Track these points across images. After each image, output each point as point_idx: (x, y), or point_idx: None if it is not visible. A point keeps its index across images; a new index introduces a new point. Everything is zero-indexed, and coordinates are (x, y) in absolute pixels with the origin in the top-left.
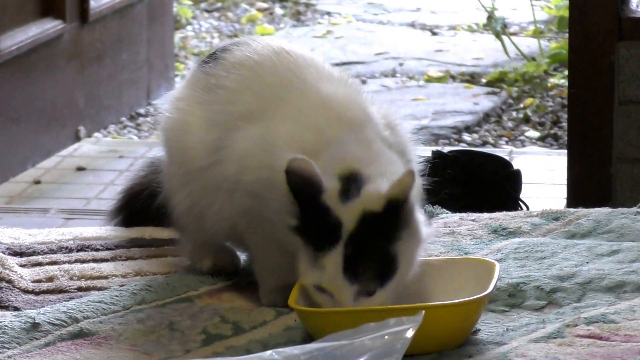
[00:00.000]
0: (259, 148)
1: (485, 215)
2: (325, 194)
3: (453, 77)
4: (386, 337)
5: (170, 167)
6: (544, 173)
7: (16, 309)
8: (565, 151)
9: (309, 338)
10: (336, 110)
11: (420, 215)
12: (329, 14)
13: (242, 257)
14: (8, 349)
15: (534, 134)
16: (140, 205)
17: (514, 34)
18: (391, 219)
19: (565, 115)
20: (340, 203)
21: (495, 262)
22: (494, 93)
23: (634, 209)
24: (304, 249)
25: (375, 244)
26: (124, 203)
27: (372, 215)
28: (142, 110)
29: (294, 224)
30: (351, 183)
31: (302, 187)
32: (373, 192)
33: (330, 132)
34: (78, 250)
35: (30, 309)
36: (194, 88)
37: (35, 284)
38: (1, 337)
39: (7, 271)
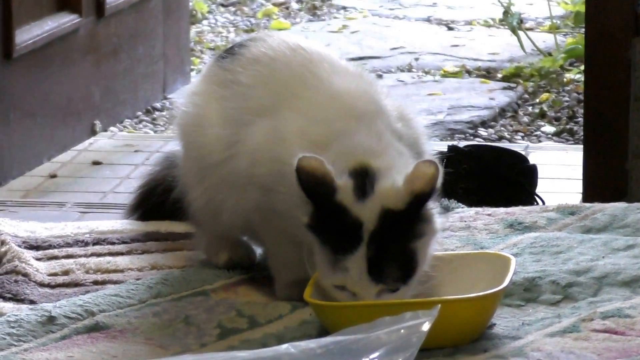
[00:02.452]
0: (270, 141)
1: (501, 209)
2: (340, 193)
3: (469, 72)
4: (402, 331)
5: (186, 162)
6: (559, 168)
7: (32, 302)
8: (581, 146)
9: (324, 332)
10: (346, 103)
11: (434, 206)
12: (344, 8)
13: (258, 251)
14: (24, 342)
15: (549, 129)
16: (156, 201)
17: (530, 29)
18: (413, 215)
19: (581, 111)
20: (357, 201)
21: (511, 257)
22: (510, 88)
23: None
24: (320, 248)
25: (398, 242)
26: (141, 200)
27: (393, 213)
28: (158, 105)
29: (307, 221)
30: (364, 178)
31: (314, 185)
32: (391, 188)
33: (339, 125)
34: (94, 244)
35: (46, 302)
36: (210, 83)
37: (51, 278)
38: (17, 330)
39: (23, 264)
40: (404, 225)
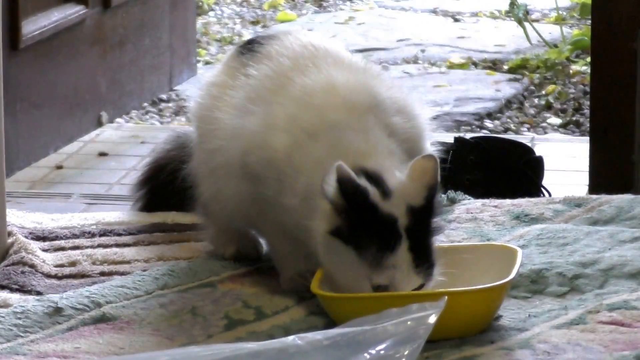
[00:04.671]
0: (260, 128)
1: (508, 201)
2: (371, 194)
3: (475, 64)
4: (409, 322)
5: (199, 151)
6: (565, 160)
7: (39, 293)
8: (587, 138)
9: (331, 323)
10: (341, 94)
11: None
12: (350, 0)
13: (265, 242)
14: (31, 333)
15: (555, 120)
16: (164, 179)
17: (536, 20)
18: (431, 209)
19: (587, 102)
20: (384, 201)
21: (518, 249)
22: (515, 80)
23: None
24: (353, 253)
25: (425, 236)
26: (149, 176)
27: (416, 209)
28: (164, 96)
29: (329, 228)
30: (372, 180)
31: (352, 191)
32: (407, 186)
33: (331, 115)
34: (100, 235)
35: (53, 293)
36: (226, 75)
37: (58, 269)
38: (24, 321)
39: (30, 256)
40: (426, 220)
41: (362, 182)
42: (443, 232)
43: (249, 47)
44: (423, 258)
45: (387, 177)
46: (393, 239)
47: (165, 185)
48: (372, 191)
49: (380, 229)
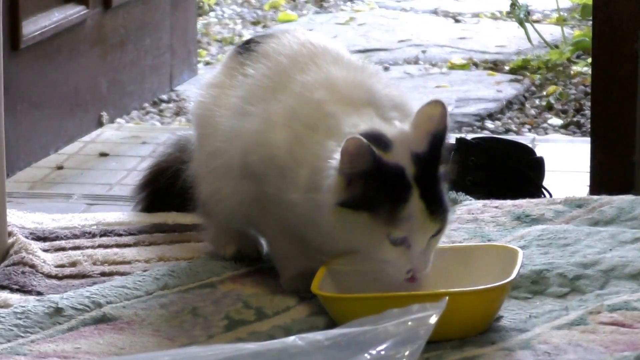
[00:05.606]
0: (260, 127)
1: (509, 202)
2: (373, 148)
3: (476, 65)
4: (409, 323)
5: (199, 151)
6: (566, 160)
7: (39, 293)
8: (588, 139)
9: (332, 324)
10: (340, 89)
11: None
12: (351, 0)
13: (265, 243)
14: (31, 333)
15: (556, 121)
16: (165, 183)
17: (537, 21)
18: (437, 155)
19: (588, 103)
20: (387, 152)
21: (519, 249)
22: (517, 80)
23: None
24: (366, 216)
25: (434, 182)
26: (150, 179)
27: (420, 155)
28: (164, 97)
29: (338, 199)
30: (368, 137)
31: (355, 156)
32: (408, 134)
33: (329, 108)
34: (101, 236)
35: (54, 293)
36: (225, 75)
37: (59, 269)
38: (24, 321)
39: (30, 256)
40: (433, 166)
41: (365, 141)
42: (450, 180)
43: (247, 47)
44: (436, 204)
45: (384, 129)
46: (404, 189)
47: (166, 188)
48: (373, 147)
49: (389, 182)
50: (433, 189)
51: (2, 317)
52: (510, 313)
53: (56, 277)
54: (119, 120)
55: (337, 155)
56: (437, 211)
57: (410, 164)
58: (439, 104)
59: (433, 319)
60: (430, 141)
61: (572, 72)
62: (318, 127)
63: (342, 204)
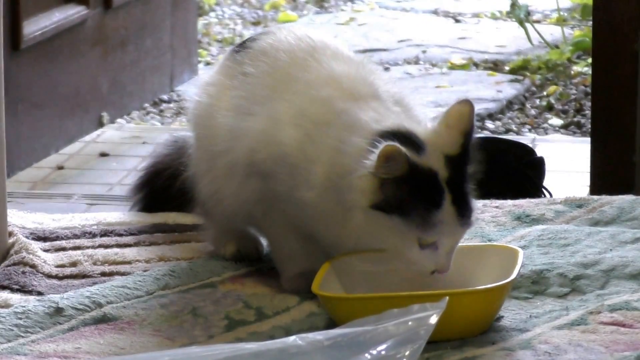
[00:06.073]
0: (267, 126)
1: (509, 202)
2: (407, 154)
3: (476, 65)
4: (410, 323)
5: (197, 152)
6: (567, 161)
7: (40, 293)
8: (589, 139)
9: (332, 324)
10: (345, 84)
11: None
12: (352, 0)
13: (265, 243)
14: (32, 333)
15: (557, 121)
16: (162, 184)
17: (537, 21)
18: (467, 155)
19: (589, 103)
20: (420, 156)
21: (519, 249)
22: (517, 81)
23: None
24: (398, 220)
25: (464, 183)
26: (146, 180)
27: (453, 157)
28: (165, 97)
29: (370, 202)
30: (400, 138)
31: (389, 161)
32: (440, 136)
33: (340, 104)
34: (101, 236)
35: (54, 293)
36: (223, 74)
37: (59, 269)
38: (25, 321)
39: (31, 256)
40: (464, 168)
41: (402, 149)
42: (477, 177)
43: (243, 46)
44: (466, 208)
45: (416, 129)
46: (437, 194)
47: (162, 189)
48: (407, 151)
49: (422, 187)
50: (463, 193)
51: (3, 317)
52: (511, 313)
53: (56, 277)
54: (119, 120)
55: (372, 157)
56: (467, 215)
57: (442, 167)
58: (468, 103)
59: (433, 319)
60: (462, 142)
61: (572, 72)
62: (330, 124)
63: (374, 206)
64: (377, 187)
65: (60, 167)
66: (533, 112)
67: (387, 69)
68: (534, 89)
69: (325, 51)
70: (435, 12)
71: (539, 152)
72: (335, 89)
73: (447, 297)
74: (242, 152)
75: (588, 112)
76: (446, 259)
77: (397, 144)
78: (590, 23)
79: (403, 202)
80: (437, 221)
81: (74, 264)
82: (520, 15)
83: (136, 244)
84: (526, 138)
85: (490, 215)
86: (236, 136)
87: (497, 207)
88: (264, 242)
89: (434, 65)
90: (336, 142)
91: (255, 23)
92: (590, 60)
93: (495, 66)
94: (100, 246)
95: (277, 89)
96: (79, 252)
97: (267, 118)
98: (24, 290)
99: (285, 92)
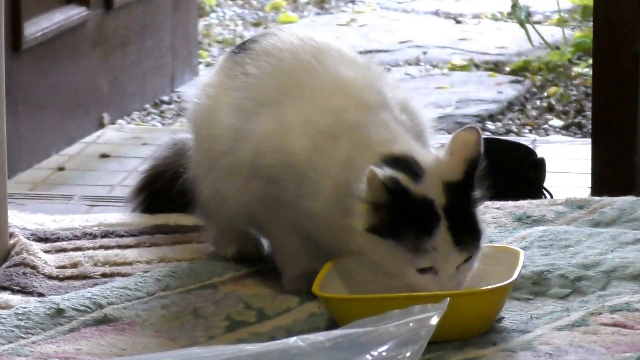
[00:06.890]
0: (274, 131)
1: (510, 203)
2: (402, 181)
3: (477, 66)
4: (411, 324)
5: (197, 153)
6: (567, 162)
7: (40, 294)
8: (589, 140)
9: (333, 325)
10: (353, 93)
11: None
12: (353, 2)
13: (266, 243)
14: (32, 334)
15: (557, 122)
16: (161, 187)
17: (538, 22)
18: (471, 182)
19: (589, 104)
20: (417, 184)
21: (520, 250)
22: (517, 82)
23: None
24: (393, 244)
25: (466, 210)
26: (146, 183)
27: (454, 184)
28: (165, 98)
29: (366, 226)
30: (402, 164)
31: (380, 189)
32: (442, 163)
33: (350, 116)
34: (102, 237)
35: (55, 295)
36: (222, 75)
37: (60, 270)
38: (25, 322)
39: (32, 257)
40: (466, 194)
41: (389, 172)
42: (485, 201)
43: (243, 47)
44: (466, 233)
45: (419, 156)
46: (430, 222)
47: (162, 192)
48: (402, 177)
49: (415, 215)
50: (464, 218)
51: (4, 318)
52: (512, 314)
53: (57, 278)
54: (120, 121)
55: (362, 182)
56: (465, 241)
57: (440, 194)
58: (474, 131)
59: (434, 320)
60: (465, 169)
61: (572, 73)
62: (340, 137)
63: (369, 230)
64: (370, 212)
65: (61, 168)
66: (534, 113)
67: (387, 70)
68: (534, 90)
69: (329, 53)
70: (436, 13)
71: (539, 153)
72: (344, 97)
73: (448, 298)
74: (247, 153)
75: (589, 113)
76: (450, 282)
77: (377, 171)
78: (591, 24)
79: (395, 227)
80: (429, 248)
81: (74, 265)
82: (521, 16)
83: (137, 245)
84: (527, 139)
85: (491, 216)
86: (241, 137)
87: (498, 208)
88: (265, 242)
89: (434, 66)
90: (345, 158)
91: (256, 24)
92: (590, 61)
93: (495, 67)
94: (101, 247)
95: (282, 91)
96: (79, 253)
97: (274, 122)
98: (24, 291)
99: (292, 97)
